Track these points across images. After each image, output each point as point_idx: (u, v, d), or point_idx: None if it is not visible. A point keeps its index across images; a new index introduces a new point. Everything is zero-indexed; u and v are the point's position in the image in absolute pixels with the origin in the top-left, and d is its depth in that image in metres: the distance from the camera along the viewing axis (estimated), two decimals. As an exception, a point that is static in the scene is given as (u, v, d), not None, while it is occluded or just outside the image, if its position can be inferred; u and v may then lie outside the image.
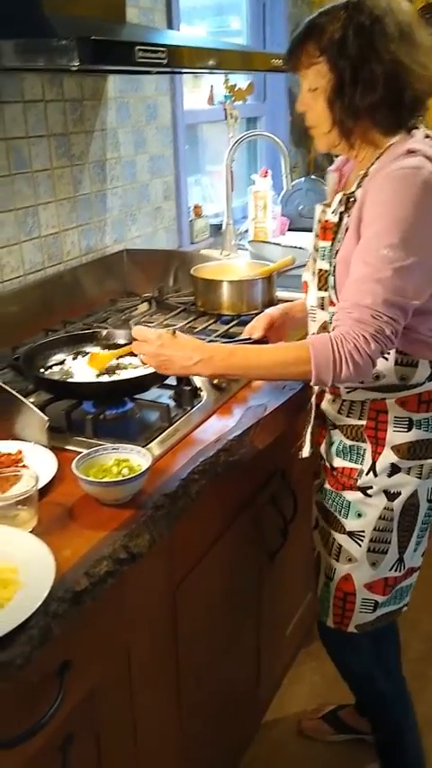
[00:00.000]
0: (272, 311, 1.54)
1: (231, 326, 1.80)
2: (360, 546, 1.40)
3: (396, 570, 1.42)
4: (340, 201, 1.28)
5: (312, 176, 3.13)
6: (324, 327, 1.35)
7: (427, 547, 1.47)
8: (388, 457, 1.34)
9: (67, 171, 1.94)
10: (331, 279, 1.29)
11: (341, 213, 1.28)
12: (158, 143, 2.37)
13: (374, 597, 1.43)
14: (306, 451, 1.46)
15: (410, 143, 1.21)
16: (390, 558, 1.40)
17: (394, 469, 1.35)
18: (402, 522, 1.38)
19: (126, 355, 1.46)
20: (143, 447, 1.21)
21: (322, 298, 1.33)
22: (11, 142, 1.73)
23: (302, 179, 3.10)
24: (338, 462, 1.41)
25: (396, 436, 1.33)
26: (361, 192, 1.22)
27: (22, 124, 1.76)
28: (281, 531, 1.66)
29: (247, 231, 2.84)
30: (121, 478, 1.10)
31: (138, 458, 1.16)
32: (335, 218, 1.29)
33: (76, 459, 1.14)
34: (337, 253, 1.27)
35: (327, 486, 1.45)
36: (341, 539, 1.42)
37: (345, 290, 1.21)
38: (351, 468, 1.38)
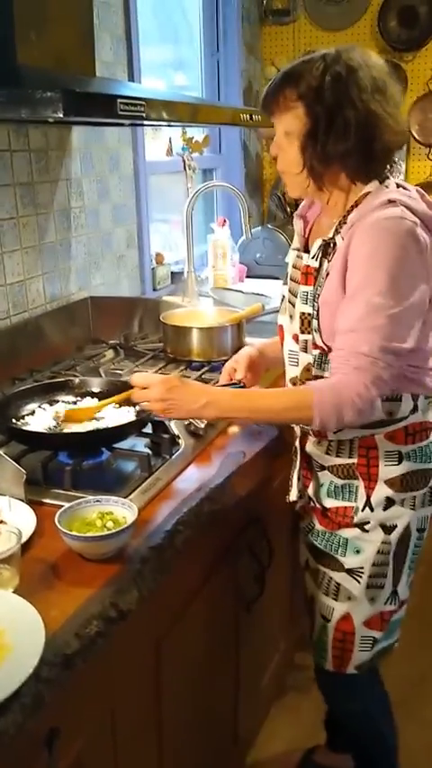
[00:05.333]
0: (249, 351, 1.56)
1: (202, 373, 1.80)
2: (359, 583, 1.40)
3: (391, 603, 1.43)
4: (320, 247, 1.31)
5: (269, 225, 3.20)
6: (308, 369, 1.36)
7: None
8: (382, 491, 1.36)
9: (32, 219, 1.93)
10: (315, 322, 1.31)
11: (321, 258, 1.31)
12: (121, 192, 2.38)
13: (372, 634, 1.44)
14: (293, 495, 1.46)
15: (388, 193, 1.25)
16: (386, 591, 1.42)
17: (389, 503, 1.36)
18: (398, 553, 1.40)
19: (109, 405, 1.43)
20: (125, 498, 1.19)
21: (306, 340, 1.35)
22: (-23, 191, 1.72)
23: (259, 228, 3.17)
24: (331, 503, 1.41)
25: (388, 470, 1.35)
26: (344, 241, 1.26)
27: (-12, 173, 1.75)
28: (257, 578, 1.64)
29: (207, 278, 2.87)
30: (107, 533, 1.07)
31: (122, 510, 1.13)
32: (315, 264, 1.32)
33: (59, 513, 1.10)
34: (319, 296, 1.30)
35: (318, 527, 1.45)
36: (339, 577, 1.42)
37: (340, 338, 1.24)
38: (345, 507, 1.39)
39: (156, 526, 1.17)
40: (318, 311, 1.30)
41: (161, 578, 1.13)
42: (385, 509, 1.37)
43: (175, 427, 1.47)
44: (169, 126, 2.61)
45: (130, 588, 1.03)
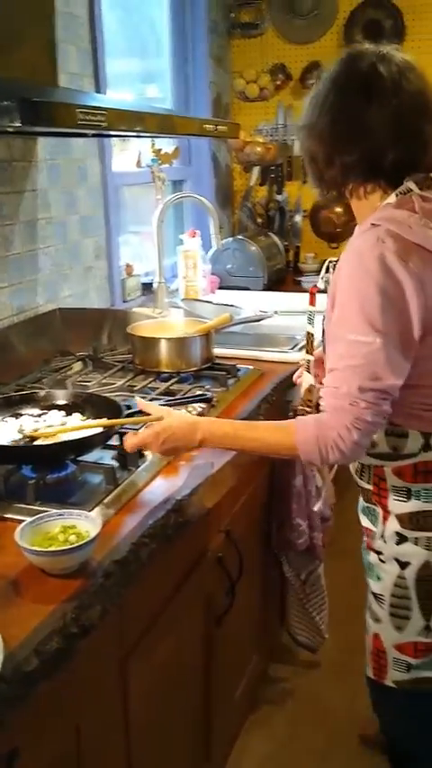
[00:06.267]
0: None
1: (170, 384, 1.79)
2: (383, 608, 1.36)
3: (425, 636, 1.35)
4: (327, 269, 1.28)
5: (239, 236, 3.20)
6: (309, 391, 1.36)
7: None
8: (393, 525, 1.32)
9: (-3, 231, 1.91)
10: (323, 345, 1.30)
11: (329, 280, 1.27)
12: (89, 204, 2.37)
13: (405, 659, 1.37)
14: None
15: (380, 211, 1.19)
16: (414, 623, 1.34)
17: (401, 538, 1.32)
18: (421, 591, 1.32)
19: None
20: (89, 511, 1.17)
21: (308, 360, 1.33)
22: None
23: (230, 239, 3.17)
24: (363, 521, 1.41)
25: (397, 505, 1.31)
26: (339, 264, 1.22)
27: None
28: (227, 591, 1.62)
29: (177, 289, 2.86)
30: (68, 547, 1.05)
31: (85, 523, 1.11)
32: (321, 285, 1.29)
33: (20, 527, 1.08)
34: (324, 318, 1.27)
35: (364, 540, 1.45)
36: (370, 597, 1.41)
37: (327, 375, 1.22)
38: (369, 529, 1.39)
39: (121, 539, 1.15)
40: (323, 332, 1.28)
41: (126, 592, 1.11)
42: (398, 544, 1.32)
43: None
44: (138, 137, 2.60)
45: (92, 603, 1.01)
